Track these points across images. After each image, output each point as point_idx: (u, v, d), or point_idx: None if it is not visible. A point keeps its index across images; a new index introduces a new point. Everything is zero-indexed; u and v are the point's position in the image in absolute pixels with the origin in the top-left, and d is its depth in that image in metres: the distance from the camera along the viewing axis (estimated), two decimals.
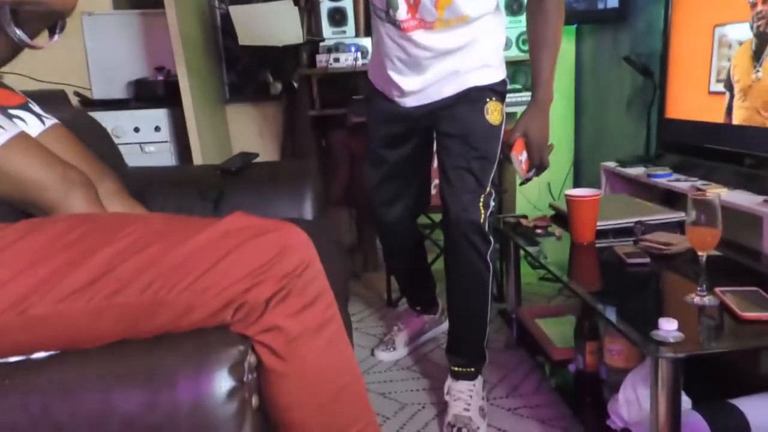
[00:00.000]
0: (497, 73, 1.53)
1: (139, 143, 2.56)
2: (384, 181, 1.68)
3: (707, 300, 1.15)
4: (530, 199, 3.03)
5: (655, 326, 1.04)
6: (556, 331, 1.82)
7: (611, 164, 2.31)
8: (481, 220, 1.44)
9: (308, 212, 1.86)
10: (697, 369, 1.22)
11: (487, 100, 1.46)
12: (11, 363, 0.65)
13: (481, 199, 1.44)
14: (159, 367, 0.63)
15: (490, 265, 1.50)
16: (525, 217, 1.87)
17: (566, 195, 1.59)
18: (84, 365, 0.64)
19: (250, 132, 3.12)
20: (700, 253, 1.15)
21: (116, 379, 0.62)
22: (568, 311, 1.93)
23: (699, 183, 1.82)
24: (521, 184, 1.58)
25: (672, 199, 2.13)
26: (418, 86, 1.51)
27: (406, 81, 1.51)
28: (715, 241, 1.14)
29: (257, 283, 0.68)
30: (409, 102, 1.55)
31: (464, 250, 1.46)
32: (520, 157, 1.48)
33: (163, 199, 1.86)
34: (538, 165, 1.50)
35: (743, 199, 1.60)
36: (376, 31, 1.53)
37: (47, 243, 0.68)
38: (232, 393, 0.63)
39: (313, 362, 0.72)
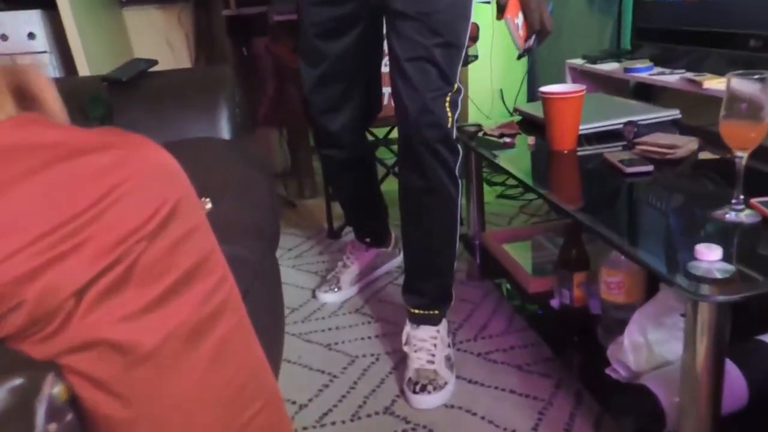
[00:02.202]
0: None
1: (10, 54, 2.07)
2: (324, 83, 1.32)
3: (745, 216, 0.88)
4: (481, 107, 2.71)
5: (693, 256, 0.76)
6: (527, 257, 1.56)
7: (578, 61, 2.00)
8: (448, 125, 1.11)
9: (224, 130, 1.51)
10: None
11: None
12: None
13: (448, 98, 1.11)
14: None
15: (459, 180, 1.19)
16: (479, 126, 1.55)
17: (542, 93, 1.28)
18: None
19: (154, 41, 2.63)
20: (739, 154, 0.87)
21: None
22: (537, 233, 1.66)
23: (689, 75, 1.54)
24: (519, 57, 1.25)
25: (649, 95, 1.86)
26: None
27: None
28: (760, 137, 0.85)
29: (52, 259, 0.34)
30: None
31: (426, 163, 1.14)
32: (516, 21, 1.18)
33: None
34: (538, 29, 1.20)
35: (750, 87, 1.32)
36: None
37: None
38: None
39: (179, 397, 0.39)
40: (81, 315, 0.36)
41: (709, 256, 0.75)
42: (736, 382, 0.92)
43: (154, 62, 1.62)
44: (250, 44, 2.65)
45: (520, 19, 1.18)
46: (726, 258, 0.75)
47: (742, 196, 0.88)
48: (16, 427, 0.31)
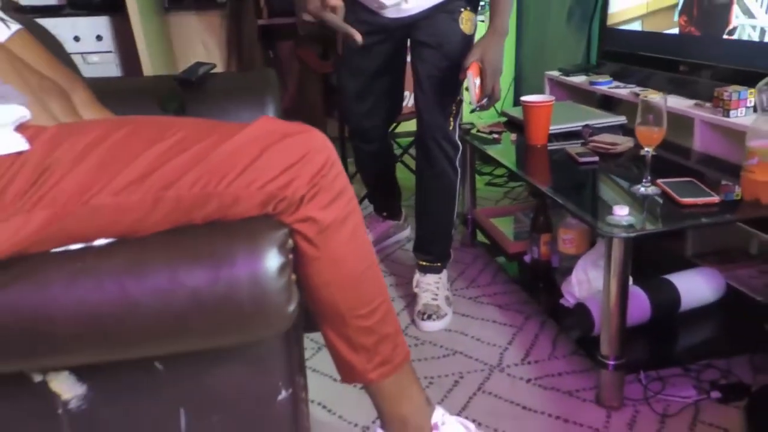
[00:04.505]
0: None
1: (81, 53, 2.46)
2: (360, 96, 1.73)
3: (651, 190, 1.32)
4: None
5: (610, 212, 1.20)
6: (508, 228, 2.00)
7: (555, 73, 2.44)
8: (450, 128, 1.54)
9: None
10: (637, 251, 1.40)
11: (461, 9, 1.52)
12: (80, 249, 0.72)
13: (452, 108, 1.54)
14: (219, 247, 0.71)
15: (458, 169, 1.62)
16: (472, 125, 1.99)
17: (522, 101, 1.71)
18: (150, 249, 0.71)
19: (192, 43, 3.02)
20: (646, 149, 1.31)
21: (181, 259, 0.70)
22: (515, 211, 2.10)
23: (637, 89, 1.98)
24: (472, 111, 1.58)
25: (611, 104, 2.30)
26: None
27: None
28: (660, 138, 1.29)
29: (291, 180, 0.76)
30: (390, 14, 1.57)
31: (434, 155, 1.57)
32: (475, 80, 1.46)
33: (123, 110, 1.83)
34: (489, 94, 1.49)
35: (677, 102, 1.77)
36: None
37: (92, 143, 0.73)
38: (281, 269, 0.73)
39: (339, 248, 0.82)
40: (303, 206, 0.77)
41: (621, 212, 1.19)
42: (643, 303, 1.36)
43: (213, 65, 2.03)
44: (276, 48, 3.06)
45: (478, 81, 1.46)
46: (631, 214, 1.19)
47: (649, 177, 1.32)
48: (284, 250, 0.74)
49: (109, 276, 0.69)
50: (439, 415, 0.96)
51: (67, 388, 0.86)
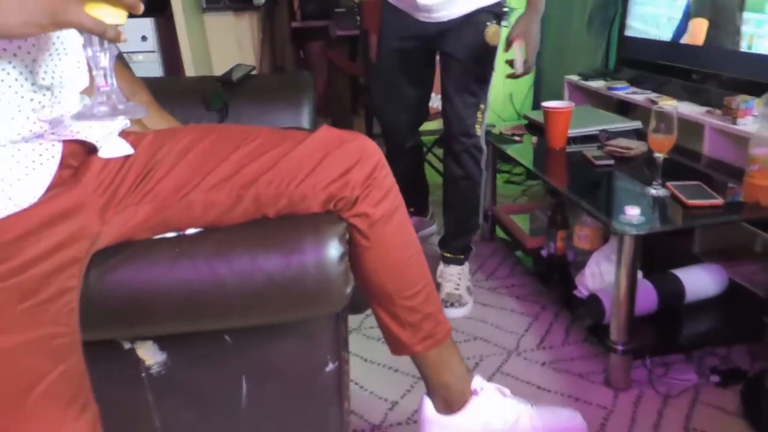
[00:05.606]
0: None
1: (126, 53, 2.62)
2: (393, 96, 1.86)
3: (661, 192, 1.45)
4: (494, 108, 3.27)
5: (622, 212, 1.33)
6: (526, 224, 2.13)
7: (574, 77, 2.56)
8: (477, 133, 1.68)
9: (306, 122, 2.02)
10: (647, 247, 1.53)
11: (488, 23, 1.65)
12: (175, 237, 0.87)
13: (478, 116, 1.67)
14: (290, 238, 0.85)
15: (483, 171, 1.76)
16: (492, 125, 2.12)
17: (543, 107, 1.84)
18: (233, 238, 0.85)
19: (227, 42, 3.17)
20: (657, 155, 1.44)
21: (259, 246, 0.84)
22: (533, 209, 2.23)
23: (652, 95, 2.10)
24: (509, 76, 1.66)
25: (627, 109, 2.41)
26: (433, 1, 1.64)
27: None
28: (670, 144, 1.42)
29: (348, 181, 0.90)
30: (423, 17, 1.69)
31: (461, 158, 1.71)
32: (520, 50, 1.61)
33: (170, 110, 1.98)
34: (529, 66, 1.64)
35: (689, 109, 1.88)
36: None
37: (186, 148, 0.88)
38: (341, 257, 0.87)
39: (387, 238, 0.96)
40: (358, 204, 0.91)
41: (632, 212, 1.32)
42: (651, 295, 1.49)
43: (253, 67, 2.17)
44: (306, 48, 3.20)
45: (522, 52, 1.61)
46: (642, 213, 1.32)
47: (660, 180, 1.45)
48: (343, 240, 0.88)
49: (202, 259, 0.83)
50: (478, 382, 1.10)
51: (150, 355, 1.02)
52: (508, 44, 1.64)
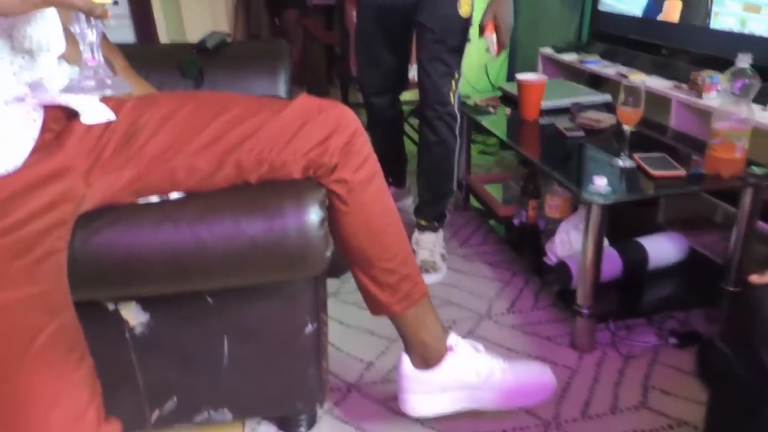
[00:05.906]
0: None
1: None
2: (373, 64, 1.89)
3: (628, 163, 1.50)
4: (469, 80, 3.29)
5: (591, 182, 1.38)
6: (499, 193, 2.18)
7: (548, 50, 2.60)
8: (451, 101, 1.71)
9: (282, 91, 2.03)
10: (614, 217, 1.59)
11: None
12: (159, 202, 0.89)
13: (452, 85, 1.70)
14: (271, 203, 0.88)
15: (457, 138, 1.79)
16: (468, 97, 2.15)
17: (518, 80, 1.88)
18: (216, 202, 0.88)
19: (200, 9, 3.12)
20: (625, 127, 1.49)
21: (241, 211, 0.87)
22: (506, 179, 2.29)
23: (623, 69, 2.15)
24: (496, 55, 1.76)
25: (599, 82, 2.46)
26: None
27: None
28: (638, 118, 1.47)
29: (327, 148, 0.93)
30: None
31: (436, 125, 1.74)
32: (492, 37, 1.69)
33: (145, 76, 1.97)
34: (504, 45, 1.72)
35: (657, 83, 1.94)
36: None
37: (167, 115, 0.89)
38: (321, 221, 0.90)
39: (367, 204, 0.99)
40: (337, 170, 0.94)
41: (599, 182, 1.37)
42: (616, 262, 1.56)
43: (228, 34, 2.15)
44: (281, 16, 3.18)
45: (494, 37, 1.70)
46: (609, 184, 1.37)
47: (627, 152, 1.50)
48: (323, 206, 0.91)
49: (185, 223, 0.86)
50: (453, 339, 1.15)
51: (134, 315, 1.04)
52: (481, 31, 1.69)
